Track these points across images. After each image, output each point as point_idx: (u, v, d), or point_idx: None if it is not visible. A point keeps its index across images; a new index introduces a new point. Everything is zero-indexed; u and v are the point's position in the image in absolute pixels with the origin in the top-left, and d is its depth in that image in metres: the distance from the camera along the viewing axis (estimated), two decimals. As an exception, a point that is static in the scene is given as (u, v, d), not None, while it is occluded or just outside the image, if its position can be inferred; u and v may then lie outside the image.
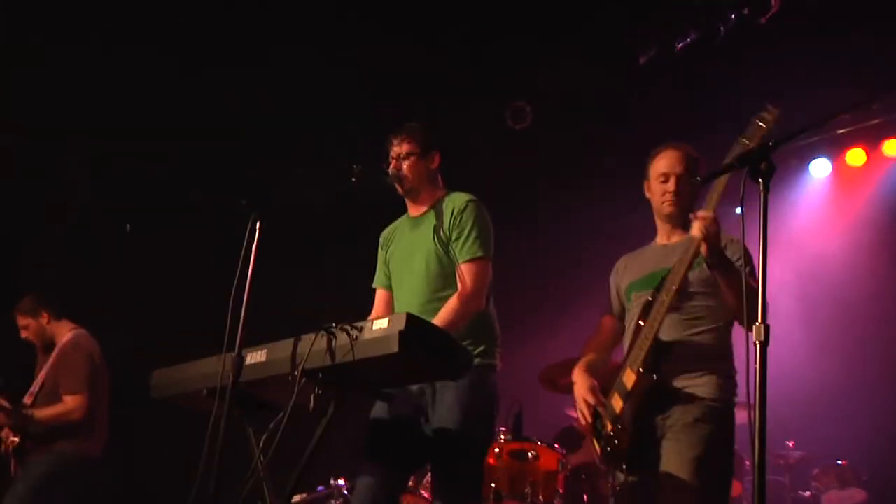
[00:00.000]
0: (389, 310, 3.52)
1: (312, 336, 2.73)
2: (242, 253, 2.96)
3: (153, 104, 6.02)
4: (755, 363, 2.14)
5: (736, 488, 5.31)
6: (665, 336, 3.06)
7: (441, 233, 3.36)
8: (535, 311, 6.78)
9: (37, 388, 4.99)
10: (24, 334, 5.10)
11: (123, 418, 5.21)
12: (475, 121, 6.37)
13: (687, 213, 3.24)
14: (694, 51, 5.82)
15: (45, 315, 5.05)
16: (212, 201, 3.26)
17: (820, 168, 6.98)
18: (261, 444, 2.91)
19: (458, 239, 3.32)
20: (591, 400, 3.20)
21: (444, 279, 3.32)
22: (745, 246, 3.04)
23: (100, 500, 5.20)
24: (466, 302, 3.23)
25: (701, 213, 2.87)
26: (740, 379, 3.03)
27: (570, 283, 6.70)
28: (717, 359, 3.11)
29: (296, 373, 2.72)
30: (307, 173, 5.86)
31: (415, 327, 2.58)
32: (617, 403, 3.14)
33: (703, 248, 2.91)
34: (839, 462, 5.88)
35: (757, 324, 2.17)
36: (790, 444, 5.98)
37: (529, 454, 4.61)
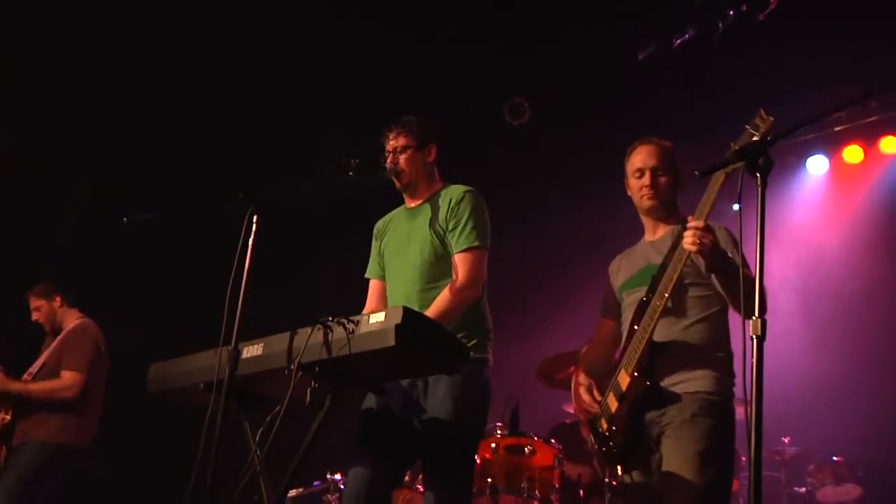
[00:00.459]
0: (383, 300, 3.52)
1: (309, 330, 2.73)
2: (239, 247, 2.95)
3: (151, 101, 6.03)
4: (752, 358, 2.14)
5: (733, 485, 5.32)
6: (658, 336, 3.05)
7: (437, 223, 3.36)
8: (531, 305, 6.79)
9: (36, 369, 5.05)
10: (35, 316, 5.20)
11: (121, 412, 5.22)
12: (473, 117, 6.37)
13: (669, 205, 3.25)
14: (692, 48, 5.83)
15: (58, 299, 5.18)
16: (209, 196, 3.24)
17: (817, 165, 6.99)
18: (257, 438, 2.91)
19: (454, 229, 3.32)
20: (588, 398, 3.21)
21: (440, 269, 3.32)
22: (728, 230, 3.05)
23: (90, 490, 5.21)
24: (461, 291, 3.23)
25: (691, 224, 2.85)
26: (737, 373, 3.04)
27: (566, 278, 6.71)
28: (712, 350, 3.10)
29: (292, 366, 2.71)
30: (305, 168, 5.87)
31: (411, 321, 2.58)
32: (612, 403, 3.15)
33: (701, 262, 2.91)
34: (835, 458, 5.90)
35: (754, 318, 2.17)
36: (786, 441, 6.00)
37: (526, 449, 4.61)
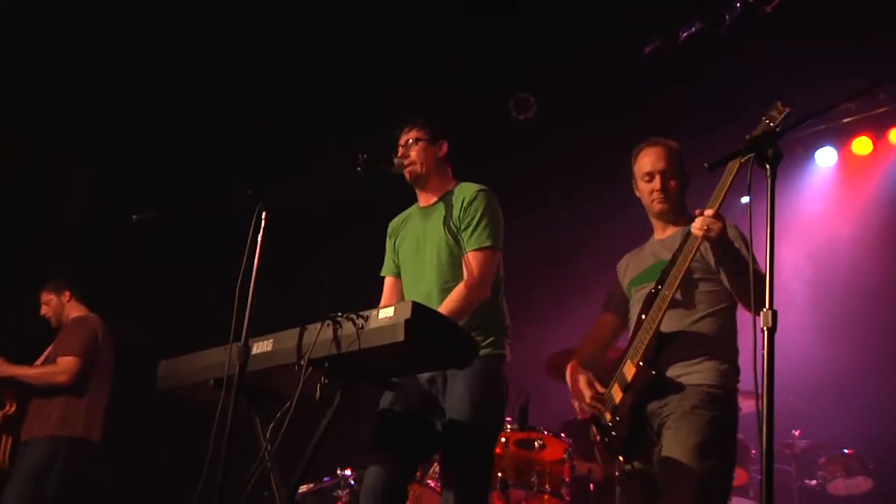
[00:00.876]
0: (399, 298, 3.52)
1: (318, 325, 2.74)
2: (248, 243, 2.95)
3: (152, 100, 6.04)
4: (763, 350, 2.13)
5: (742, 477, 5.31)
6: (665, 328, 3.05)
7: (451, 223, 3.36)
8: (540, 299, 6.78)
9: (40, 362, 5.08)
10: (43, 310, 5.24)
11: (131, 409, 5.24)
12: (474, 116, 6.36)
13: (678, 207, 3.26)
14: (699, 42, 5.81)
15: (67, 293, 5.22)
16: (210, 194, 3.25)
17: (826, 157, 6.96)
18: (268, 434, 2.92)
19: (466, 228, 3.32)
20: (589, 392, 3.22)
21: (455, 269, 3.32)
22: (737, 227, 3.05)
23: (99, 488, 5.23)
24: (472, 291, 3.23)
25: (703, 212, 2.85)
26: (747, 367, 3.03)
27: (575, 272, 6.70)
28: (718, 344, 3.10)
29: (302, 362, 2.72)
30: (308, 166, 5.89)
31: (421, 316, 2.58)
32: (617, 394, 3.15)
33: (709, 254, 2.90)
34: (846, 451, 5.88)
35: (764, 310, 2.17)
36: (796, 433, 5.97)
37: (536, 443, 4.61)
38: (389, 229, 3.67)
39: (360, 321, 2.64)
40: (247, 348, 2.85)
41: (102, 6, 5.57)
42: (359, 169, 3.27)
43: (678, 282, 2.97)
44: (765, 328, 2.16)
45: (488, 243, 3.30)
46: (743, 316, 3.14)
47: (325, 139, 6.21)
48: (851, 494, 5.86)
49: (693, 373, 3.04)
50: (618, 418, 3.13)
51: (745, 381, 3.05)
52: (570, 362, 3.41)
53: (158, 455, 6.36)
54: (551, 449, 4.66)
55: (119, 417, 5.22)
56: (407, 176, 3.49)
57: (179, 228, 5.58)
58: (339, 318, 2.68)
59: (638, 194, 3.35)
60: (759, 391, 2.12)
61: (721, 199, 2.88)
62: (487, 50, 6.14)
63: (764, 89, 5.76)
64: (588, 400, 3.22)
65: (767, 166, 2.26)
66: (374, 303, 3.61)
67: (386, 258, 3.64)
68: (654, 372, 3.03)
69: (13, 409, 4.90)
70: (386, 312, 2.60)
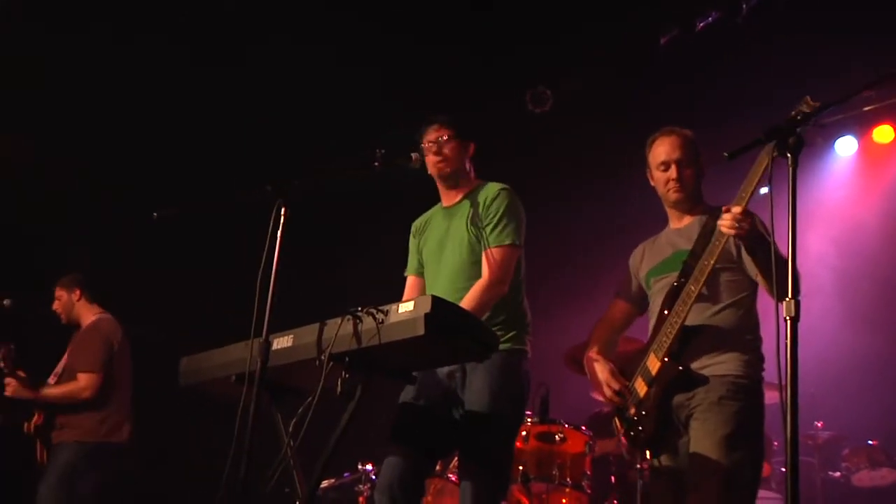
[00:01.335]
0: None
1: (338, 320, 2.74)
2: (268, 239, 2.96)
3: (176, 94, 6.06)
4: (786, 339, 2.12)
5: (765, 469, 5.28)
6: (688, 321, 3.04)
7: (474, 221, 3.38)
8: (558, 292, 6.77)
9: (60, 369, 5.14)
10: (55, 305, 5.28)
11: (153, 407, 5.27)
12: (496, 108, 6.35)
13: (694, 196, 3.24)
14: (715, 33, 5.77)
15: (77, 292, 5.23)
16: (237, 188, 3.26)
17: (846, 146, 6.89)
18: (290, 430, 2.93)
19: (488, 225, 3.34)
20: (615, 385, 3.21)
21: (477, 267, 3.33)
22: (758, 217, 3.01)
23: (128, 487, 5.28)
24: (491, 287, 3.24)
25: (731, 209, 2.82)
26: (770, 358, 3.01)
27: (594, 264, 6.68)
28: (742, 334, 3.09)
29: (322, 357, 2.72)
30: (331, 159, 5.88)
31: (441, 310, 2.58)
32: (641, 387, 3.14)
33: (742, 244, 2.88)
34: (870, 442, 5.84)
35: (787, 299, 2.15)
36: (819, 425, 5.94)
37: (557, 436, 4.61)
38: (413, 229, 3.69)
39: (380, 316, 2.63)
40: (267, 344, 2.85)
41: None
42: (376, 164, 3.28)
43: (705, 277, 2.95)
44: (788, 318, 2.15)
45: (509, 240, 3.31)
46: (765, 306, 3.12)
47: (341, 135, 6.21)
48: (876, 486, 5.81)
49: (718, 364, 3.04)
50: (644, 413, 3.12)
51: (768, 371, 3.04)
52: (588, 351, 3.40)
53: (180, 452, 6.40)
54: (572, 442, 4.65)
55: (149, 408, 5.26)
56: (437, 172, 3.49)
57: (198, 225, 5.61)
58: (359, 313, 2.68)
59: (653, 183, 3.33)
60: (783, 382, 2.10)
61: (749, 195, 2.85)
62: (500, 44, 6.13)
63: (782, 79, 5.72)
64: (615, 390, 3.21)
65: (789, 155, 2.24)
66: (394, 297, 3.62)
67: (410, 257, 3.66)
68: (680, 368, 3.02)
69: (41, 419, 4.99)
70: (406, 307, 2.60)
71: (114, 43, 5.77)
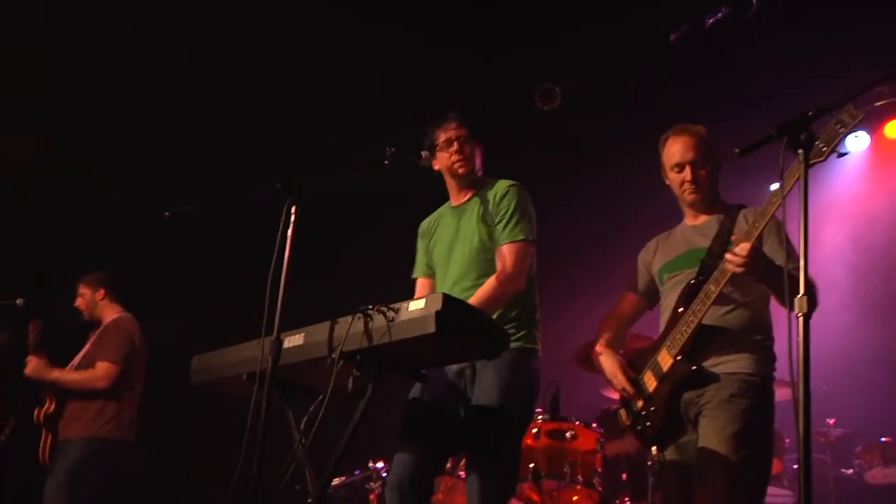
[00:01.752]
0: None
1: (349, 318, 2.74)
2: (279, 238, 2.96)
3: (185, 93, 6.08)
4: (798, 336, 2.11)
5: (776, 466, 5.26)
6: (705, 321, 3.03)
7: (485, 218, 3.37)
8: (569, 289, 6.76)
9: (78, 360, 5.17)
10: (77, 301, 5.33)
11: (166, 405, 5.29)
12: (501, 106, 6.34)
13: (711, 196, 3.24)
14: (726, 28, 5.75)
15: (101, 291, 5.29)
16: (236, 188, 3.27)
17: (857, 142, 6.85)
18: (301, 428, 2.93)
19: (500, 222, 3.34)
20: (623, 378, 3.21)
21: (489, 265, 3.34)
22: (780, 221, 3.00)
23: (135, 486, 5.32)
24: (505, 283, 3.24)
25: (739, 248, 2.82)
26: (781, 355, 3.00)
27: (604, 260, 6.67)
28: (753, 333, 3.08)
29: (333, 355, 2.72)
30: (338, 158, 5.88)
31: (451, 308, 2.58)
32: (651, 382, 3.14)
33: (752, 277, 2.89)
34: (883, 439, 5.80)
35: (799, 296, 2.14)
36: (831, 422, 5.91)
37: (567, 434, 4.61)
38: (421, 230, 3.68)
39: (390, 313, 2.64)
40: (279, 342, 2.86)
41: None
42: (386, 162, 3.28)
43: (726, 279, 2.94)
44: (800, 314, 2.14)
45: (521, 236, 3.31)
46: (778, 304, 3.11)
47: (341, 135, 6.22)
48: (890, 483, 5.78)
49: (729, 361, 3.03)
50: (652, 408, 3.12)
51: (780, 368, 3.03)
52: (598, 344, 3.39)
53: (191, 451, 6.42)
54: (583, 439, 4.64)
55: (152, 414, 5.28)
56: (456, 171, 3.48)
57: (208, 224, 5.62)
58: (370, 311, 2.68)
59: (668, 183, 3.32)
60: (795, 379, 2.09)
61: (760, 230, 2.85)
62: (509, 41, 6.12)
63: (793, 75, 5.70)
64: (625, 383, 3.21)
65: (801, 151, 2.23)
66: (405, 295, 3.61)
67: (417, 259, 3.66)
68: (693, 367, 3.02)
69: (52, 407, 5.02)
70: (416, 304, 2.60)
71: (115, 43, 5.79)
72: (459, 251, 3.42)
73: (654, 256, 3.39)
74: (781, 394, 3.63)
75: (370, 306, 2.69)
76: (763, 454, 3.02)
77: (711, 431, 2.96)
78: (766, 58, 5.92)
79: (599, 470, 4.63)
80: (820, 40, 5.65)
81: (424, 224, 3.69)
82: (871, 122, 6.76)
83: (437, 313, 2.54)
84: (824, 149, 2.35)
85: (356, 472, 5.68)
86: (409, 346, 2.64)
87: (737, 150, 2.36)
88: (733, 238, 3.04)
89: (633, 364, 3.27)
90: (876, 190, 6.87)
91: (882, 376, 6.13)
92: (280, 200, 3.01)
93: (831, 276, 6.54)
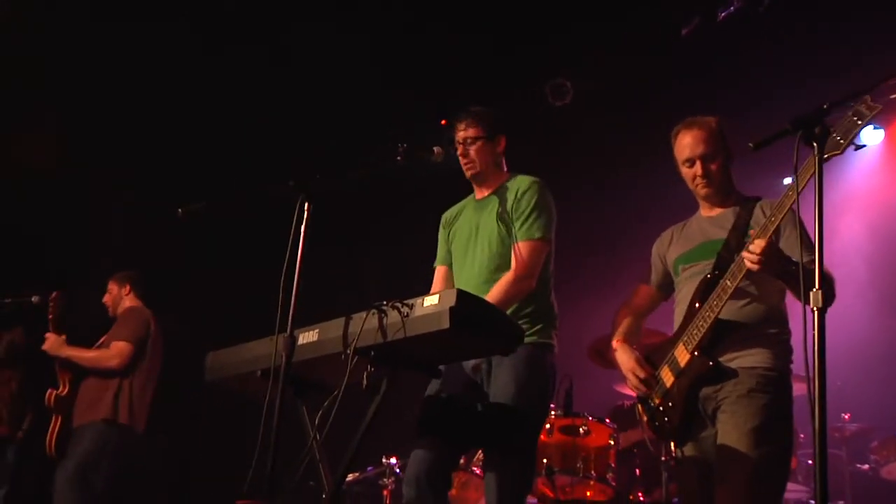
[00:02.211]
0: (449, 287, 3.52)
1: (363, 314, 2.74)
2: (292, 234, 2.97)
3: (198, 89, 6.10)
4: (813, 330, 2.10)
5: (791, 462, 5.24)
6: (721, 315, 3.02)
7: (504, 214, 3.38)
8: (582, 284, 6.75)
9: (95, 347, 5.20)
10: (105, 297, 5.43)
11: (181, 402, 5.32)
12: (517, 100, 6.33)
13: (724, 188, 3.22)
14: (739, 21, 5.72)
15: (127, 287, 5.39)
16: (260, 184, 3.27)
17: (872, 136, 6.80)
18: (315, 424, 2.94)
19: (518, 219, 3.34)
20: (641, 374, 3.20)
21: (506, 260, 3.34)
22: (796, 214, 2.98)
23: (145, 477, 5.35)
24: (519, 281, 3.25)
25: (755, 245, 2.81)
26: (797, 347, 2.99)
27: (618, 255, 6.65)
28: (770, 327, 3.06)
29: (348, 351, 2.73)
30: (352, 153, 5.90)
31: (466, 303, 2.58)
32: (668, 378, 3.12)
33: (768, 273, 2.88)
34: (898, 434, 5.78)
35: (814, 290, 2.13)
36: (846, 417, 5.88)
37: (581, 429, 4.61)
38: (443, 220, 3.70)
39: (405, 309, 2.64)
40: (293, 339, 2.87)
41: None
42: (398, 158, 3.28)
43: (742, 274, 2.93)
44: (815, 308, 2.13)
45: (538, 234, 3.31)
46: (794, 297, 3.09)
47: (360, 128, 6.22)
48: (906, 478, 5.76)
49: (746, 356, 3.01)
50: (670, 404, 3.11)
51: (796, 362, 3.01)
52: (615, 338, 3.39)
53: (215, 440, 6.44)
54: (596, 434, 4.65)
55: (166, 411, 5.31)
56: (466, 174, 3.51)
57: (222, 221, 5.64)
58: (385, 307, 2.69)
59: (681, 174, 3.30)
60: (811, 374, 2.08)
61: (775, 225, 2.85)
62: (523, 36, 6.11)
63: (806, 69, 5.67)
64: (641, 378, 3.20)
65: (815, 144, 2.22)
66: (418, 291, 3.62)
67: (439, 248, 3.67)
68: (711, 363, 3.01)
69: (66, 390, 5.06)
70: (431, 300, 2.60)
71: (125, 42, 5.82)
72: (479, 246, 3.43)
73: (670, 247, 3.37)
74: (796, 388, 3.62)
75: (384, 302, 2.69)
76: (783, 449, 3.00)
77: (731, 427, 2.94)
78: (778, 51, 5.88)
79: (613, 465, 4.63)
80: (833, 33, 5.62)
81: (447, 214, 3.70)
82: (886, 116, 6.72)
83: (452, 309, 2.54)
84: (841, 141, 2.34)
85: (369, 469, 5.70)
86: (424, 342, 2.65)
87: (751, 144, 2.35)
88: (751, 231, 3.03)
89: (650, 359, 3.26)
90: (892, 182, 6.83)
91: (896, 370, 6.10)
92: (293, 198, 3.01)
93: (848, 268, 6.50)
